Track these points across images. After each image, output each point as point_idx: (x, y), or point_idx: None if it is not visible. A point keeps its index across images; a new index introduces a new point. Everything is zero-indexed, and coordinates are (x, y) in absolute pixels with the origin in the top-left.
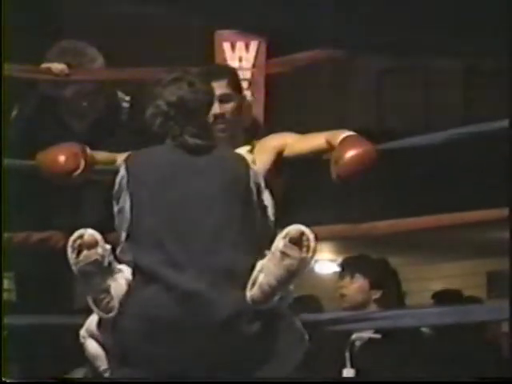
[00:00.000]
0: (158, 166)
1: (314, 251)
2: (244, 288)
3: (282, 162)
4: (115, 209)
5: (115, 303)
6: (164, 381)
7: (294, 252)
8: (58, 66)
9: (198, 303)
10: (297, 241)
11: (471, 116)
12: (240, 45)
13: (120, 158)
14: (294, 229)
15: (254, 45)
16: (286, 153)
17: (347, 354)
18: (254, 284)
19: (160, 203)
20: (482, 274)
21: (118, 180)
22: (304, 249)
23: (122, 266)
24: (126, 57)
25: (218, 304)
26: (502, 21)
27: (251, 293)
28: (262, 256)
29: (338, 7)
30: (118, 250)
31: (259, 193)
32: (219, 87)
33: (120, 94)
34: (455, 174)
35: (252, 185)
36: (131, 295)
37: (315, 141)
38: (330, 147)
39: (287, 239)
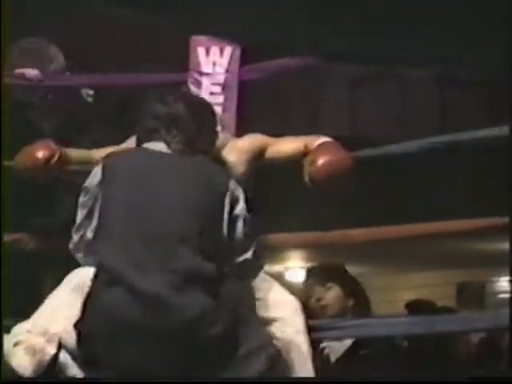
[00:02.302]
0: (133, 167)
1: None
2: (208, 293)
3: (258, 164)
4: (80, 200)
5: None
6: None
7: None
8: (31, 72)
9: (159, 306)
10: None
11: (446, 125)
12: (214, 50)
13: (97, 153)
14: None
15: (228, 50)
16: (269, 155)
17: (317, 363)
18: None
19: (130, 203)
20: (452, 284)
21: (91, 174)
22: None
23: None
24: (99, 60)
25: (178, 307)
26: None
27: None
28: (223, 267)
29: (312, 16)
30: (80, 249)
31: (233, 205)
32: None
33: (83, 90)
34: (429, 182)
35: (227, 196)
36: (94, 296)
37: (293, 144)
38: (308, 152)
39: None
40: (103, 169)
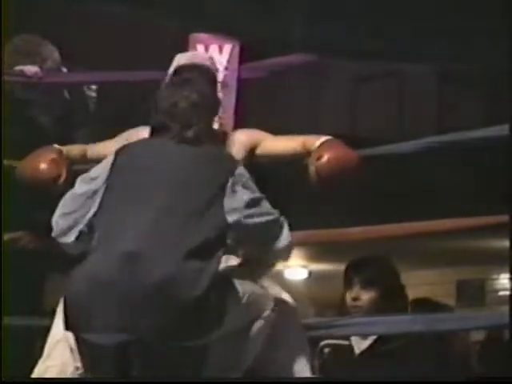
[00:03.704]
0: (143, 150)
1: None
2: (191, 257)
3: (252, 159)
4: (78, 190)
5: None
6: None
7: None
8: (31, 69)
9: (136, 264)
10: None
11: (445, 124)
12: (213, 47)
13: (90, 148)
14: None
15: (227, 48)
16: (260, 151)
17: (316, 362)
18: None
19: (132, 185)
20: (452, 282)
21: (98, 166)
22: None
23: None
24: (98, 58)
25: (154, 265)
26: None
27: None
28: (216, 247)
29: (312, 13)
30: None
31: (234, 193)
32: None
33: (86, 85)
34: (429, 181)
35: (229, 186)
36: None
37: (290, 143)
38: (306, 152)
39: None
40: (114, 159)
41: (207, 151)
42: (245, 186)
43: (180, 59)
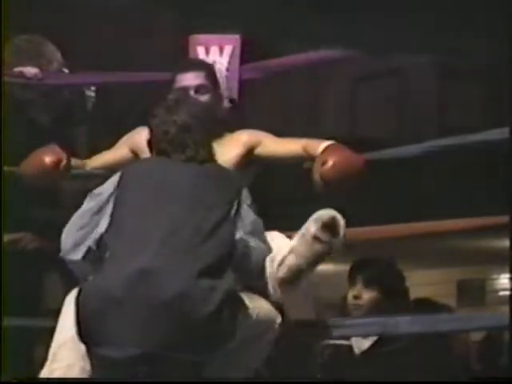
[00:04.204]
0: (148, 169)
1: (344, 236)
2: (204, 274)
3: (251, 159)
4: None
5: None
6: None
7: (325, 237)
8: (31, 70)
9: (149, 280)
10: (328, 225)
11: (445, 126)
12: (214, 49)
13: (89, 163)
14: (326, 213)
15: (228, 49)
16: (258, 151)
17: (318, 361)
18: (281, 265)
19: (142, 203)
20: (452, 282)
21: (107, 182)
22: (336, 232)
23: None
24: (99, 59)
25: (167, 282)
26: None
27: (280, 274)
28: (226, 263)
29: (312, 13)
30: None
31: (239, 212)
32: (196, 78)
33: (86, 88)
34: (429, 182)
35: (235, 203)
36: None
37: (291, 145)
38: (307, 155)
39: (319, 224)
40: (121, 176)
41: (211, 169)
42: (250, 208)
43: (181, 81)
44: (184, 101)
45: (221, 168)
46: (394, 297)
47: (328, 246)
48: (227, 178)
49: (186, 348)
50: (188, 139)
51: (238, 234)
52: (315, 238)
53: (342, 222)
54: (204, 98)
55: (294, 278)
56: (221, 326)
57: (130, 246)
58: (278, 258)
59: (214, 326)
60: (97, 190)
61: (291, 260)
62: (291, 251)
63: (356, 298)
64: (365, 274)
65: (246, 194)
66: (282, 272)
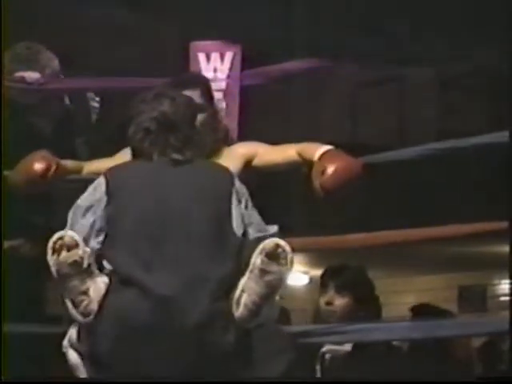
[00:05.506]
0: (137, 176)
1: (292, 262)
2: (218, 297)
3: (250, 171)
4: (87, 217)
5: (94, 306)
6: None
7: (272, 267)
8: (32, 75)
9: (170, 308)
10: (273, 254)
11: (445, 130)
12: (215, 55)
13: (86, 166)
14: (268, 243)
15: (228, 56)
16: (256, 162)
17: (317, 367)
18: (238, 304)
19: (138, 212)
20: (453, 288)
21: (89, 191)
22: (281, 261)
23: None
24: (100, 66)
25: (189, 310)
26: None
27: (238, 314)
28: (238, 267)
29: (312, 20)
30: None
31: (240, 207)
32: (192, 96)
33: (89, 94)
34: (430, 187)
35: (234, 198)
36: (107, 299)
37: (286, 152)
38: (303, 160)
39: (263, 254)
40: (107, 183)
41: (200, 166)
42: (249, 202)
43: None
44: (165, 94)
45: (205, 163)
46: (365, 303)
47: (277, 275)
48: (216, 172)
49: (207, 374)
50: (172, 139)
51: (239, 232)
52: (262, 270)
53: (287, 248)
54: (201, 116)
55: (252, 315)
56: (240, 351)
57: (139, 268)
58: (236, 295)
59: (234, 350)
60: (83, 202)
61: (245, 299)
62: (243, 289)
63: (328, 304)
64: (337, 280)
65: (241, 186)
66: (240, 312)
